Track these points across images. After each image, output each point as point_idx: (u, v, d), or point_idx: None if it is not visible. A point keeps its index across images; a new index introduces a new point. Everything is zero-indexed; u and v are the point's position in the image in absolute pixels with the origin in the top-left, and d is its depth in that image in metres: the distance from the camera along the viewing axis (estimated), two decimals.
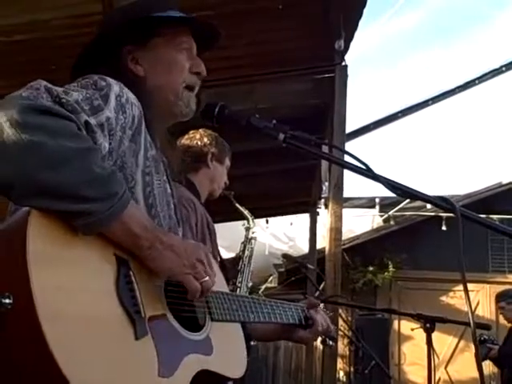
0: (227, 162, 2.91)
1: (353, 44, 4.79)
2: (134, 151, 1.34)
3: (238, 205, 3.35)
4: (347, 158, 1.45)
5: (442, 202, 1.35)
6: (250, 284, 3.32)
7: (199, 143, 2.82)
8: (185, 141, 2.86)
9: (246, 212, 3.43)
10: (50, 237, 1.06)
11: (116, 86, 1.30)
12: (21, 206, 1.07)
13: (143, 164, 1.37)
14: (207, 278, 1.26)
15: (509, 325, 5.75)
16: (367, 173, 1.37)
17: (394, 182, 1.38)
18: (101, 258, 1.14)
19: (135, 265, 1.20)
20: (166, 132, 1.60)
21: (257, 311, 1.61)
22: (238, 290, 3.10)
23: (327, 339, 2.08)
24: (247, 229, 3.42)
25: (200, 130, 2.87)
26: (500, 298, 5.85)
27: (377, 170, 1.38)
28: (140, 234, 1.18)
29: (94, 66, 1.46)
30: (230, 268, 3.17)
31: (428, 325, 2.73)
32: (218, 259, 2.84)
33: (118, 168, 1.28)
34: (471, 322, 1.23)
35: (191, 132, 2.88)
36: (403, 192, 1.38)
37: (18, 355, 0.99)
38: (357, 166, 1.38)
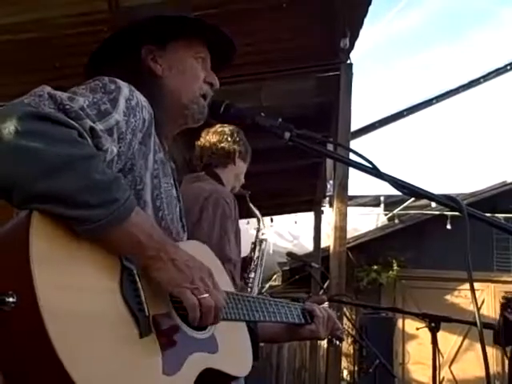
0: (248, 160, 2.94)
1: (358, 42, 4.78)
2: (144, 154, 1.34)
3: (251, 205, 3.36)
4: (353, 157, 1.44)
5: (448, 201, 1.34)
6: (260, 286, 3.32)
7: (229, 139, 2.86)
8: (213, 135, 2.88)
9: (257, 213, 3.44)
10: (53, 236, 1.06)
11: (126, 89, 1.30)
12: (21, 210, 1.07)
13: (152, 167, 1.36)
14: (206, 295, 1.21)
15: None
16: (373, 171, 1.36)
17: (400, 180, 1.37)
18: (105, 257, 1.14)
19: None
20: (174, 136, 1.59)
21: (262, 310, 1.61)
22: (250, 290, 3.10)
23: (334, 339, 2.05)
24: (258, 230, 3.43)
25: (229, 126, 2.90)
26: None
27: (382, 169, 1.37)
28: (145, 242, 1.16)
29: (109, 64, 1.47)
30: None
31: (433, 324, 2.72)
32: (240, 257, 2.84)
33: (127, 171, 1.28)
34: (478, 321, 1.22)
35: (218, 126, 2.90)
36: (409, 191, 1.38)
37: (22, 353, 0.99)
38: (363, 165, 1.37)
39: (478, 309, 1.21)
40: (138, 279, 1.17)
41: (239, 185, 2.93)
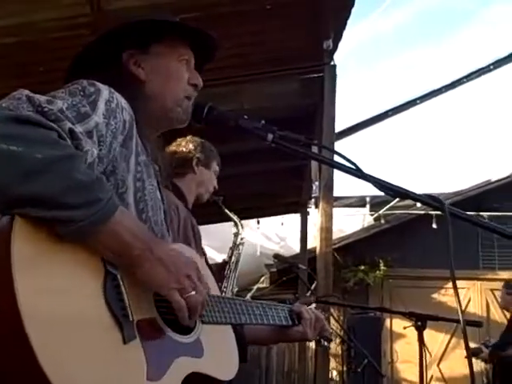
0: (215, 166, 2.94)
1: (341, 43, 4.80)
2: (126, 156, 1.33)
3: (226, 210, 3.36)
4: (337, 158, 1.45)
5: (431, 201, 1.35)
6: (236, 289, 3.31)
7: (184, 149, 2.90)
8: (172, 147, 2.93)
9: (235, 217, 3.44)
10: (35, 240, 1.05)
11: (105, 91, 1.29)
12: (4, 215, 1.06)
13: (134, 169, 1.36)
14: (193, 293, 1.21)
15: (499, 321, 5.83)
16: (356, 172, 1.37)
17: (383, 181, 1.38)
18: (88, 262, 1.13)
19: (123, 268, 1.19)
20: (157, 138, 1.60)
21: (248, 313, 1.60)
22: (224, 294, 3.10)
23: (322, 340, 2.05)
24: (235, 234, 3.43)
25: (187, 137, 2.94)
26: (506, 285, 5.96)
27: (367, 169, 1.38)
28: (130, 241, 1.16)
29: (90, 69, 1.46)
30: (217, 273, 3.18)
31: (419, 323, 2.74)
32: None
33: (108, 173, 1.28)
34: (461, 319, 1.23)
35: (179, 139, 2.95)
36: (393, 191, 1.38)
37: (3, 360, 0.98)
38: (346, 166, 1.38)
39: (461, 306, 1.22)
40: (121, 284, 1.17)
41: (207, 192, 2.93)
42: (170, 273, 1.20)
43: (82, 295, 1.09)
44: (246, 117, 1.53)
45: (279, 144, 1.46)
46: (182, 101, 1.52)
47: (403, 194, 1.37)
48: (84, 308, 1.08)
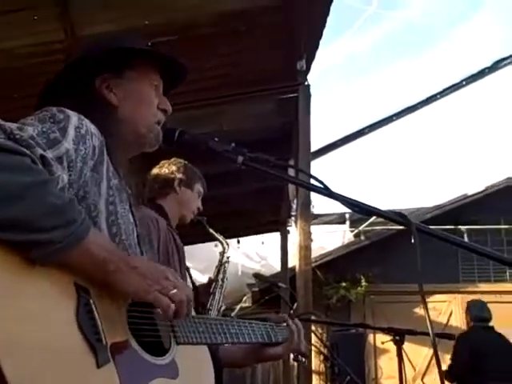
0: (198, 188, 2.99)
1: (316, 63, 4.89)
2: (97, 181, 1.35)
3: (211, 230, 3.39)
4: (305, 177, 1.48)
5: (396, 217, 1.38)
6: (223, 307, 3.32)
7: (167, 171, 2.97)
8: (155, 170, 3.01)
9: (220, 237, 3.47)
10: (5, 266, 1.05)
11: (75, 118, 1.32)
12: None
13: (106, 193, 1.38)
14: (175, 291, 1.25)
15: None
16: (324, 191, 1.40)
17: (350, 199, 1.41)
18: (60, 288, 1.13)
19: (96, 292, 1.19)
20: (128, 162, 1.62)
21: (224, 332, 1.60)
22: (210, 312, 3.10)
23: (299, 356, 2.07)
24: (221, 253, 3.45)
25: (171, 160, 3.02)
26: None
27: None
28: (105, 257, 1.18)
29: (61, 96, 1.48)
30: (203, 292, 3.19)
31: (398, 337, 2.77)
32: (188, 280, 2.87)
33: (80, 198, 1.29)
34: (430, 333, 1.26)
35: (162, 162, 3.02)
36: (360, 209, 1.41)
37: None
38: (313, 185, 1.41)
39: (430, 319, 1.25)
40: (94, 308, 1.17)
41: (190, 212, 2.98)
42: (146, 278, 1.23)
43: (54, 321, 1.09)
44: (216, 139, 1.55)
45: (249, 166, 1.49)
46: (153, 126, 1.55)
47: (370, 211, 1.40)
48: (57, 333, 1.08)
